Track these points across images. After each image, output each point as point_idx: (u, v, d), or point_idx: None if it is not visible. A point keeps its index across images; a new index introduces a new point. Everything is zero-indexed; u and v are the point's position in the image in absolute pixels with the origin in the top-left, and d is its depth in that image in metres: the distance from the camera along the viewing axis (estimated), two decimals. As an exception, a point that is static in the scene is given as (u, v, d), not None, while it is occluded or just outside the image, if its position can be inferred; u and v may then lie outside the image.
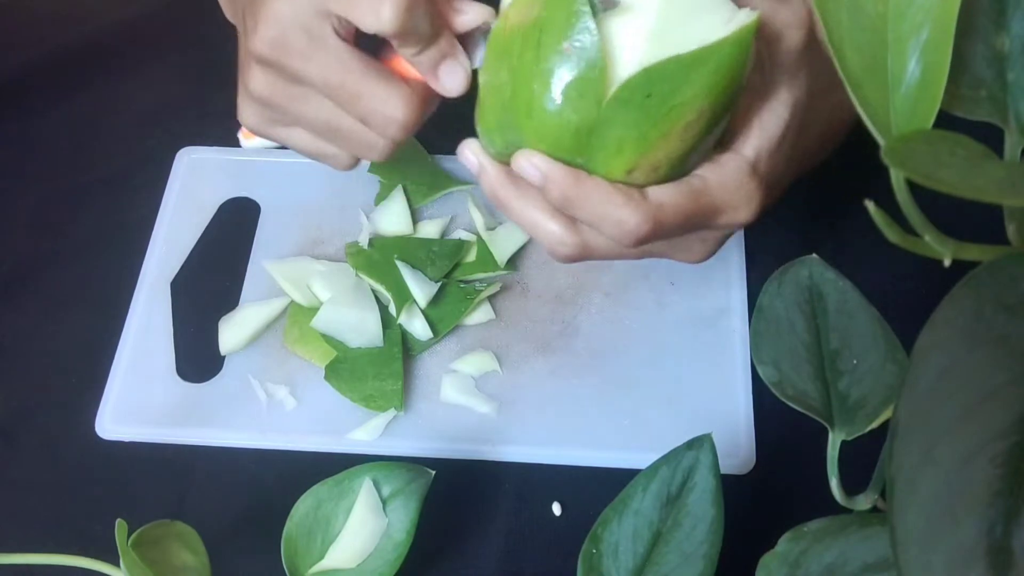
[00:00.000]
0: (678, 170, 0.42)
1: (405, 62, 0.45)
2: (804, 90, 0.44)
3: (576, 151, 0.40)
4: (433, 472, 0.50)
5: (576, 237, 0.43)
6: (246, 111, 0.48)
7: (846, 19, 0.34)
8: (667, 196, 0.42)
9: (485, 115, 0.42)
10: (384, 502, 0.49)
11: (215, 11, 0.59)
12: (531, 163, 0.41)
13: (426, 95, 0.46)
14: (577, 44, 0.38)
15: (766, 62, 0.43)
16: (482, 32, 0.45)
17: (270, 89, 0.46)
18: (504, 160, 0.43)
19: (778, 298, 0.45)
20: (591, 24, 0.38)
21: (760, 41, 0.41)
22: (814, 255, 0.46)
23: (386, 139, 0.47)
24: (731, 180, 0.43)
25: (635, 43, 0.38)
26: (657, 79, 0.38)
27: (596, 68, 0.38)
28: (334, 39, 0.44)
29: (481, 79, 0.42)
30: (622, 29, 0.38)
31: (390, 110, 0.45)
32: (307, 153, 0.50)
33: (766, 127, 0.43)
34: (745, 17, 0.38)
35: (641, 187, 0.41)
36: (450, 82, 0.45)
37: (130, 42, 0.75)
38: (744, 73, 0.39)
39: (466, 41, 0.45)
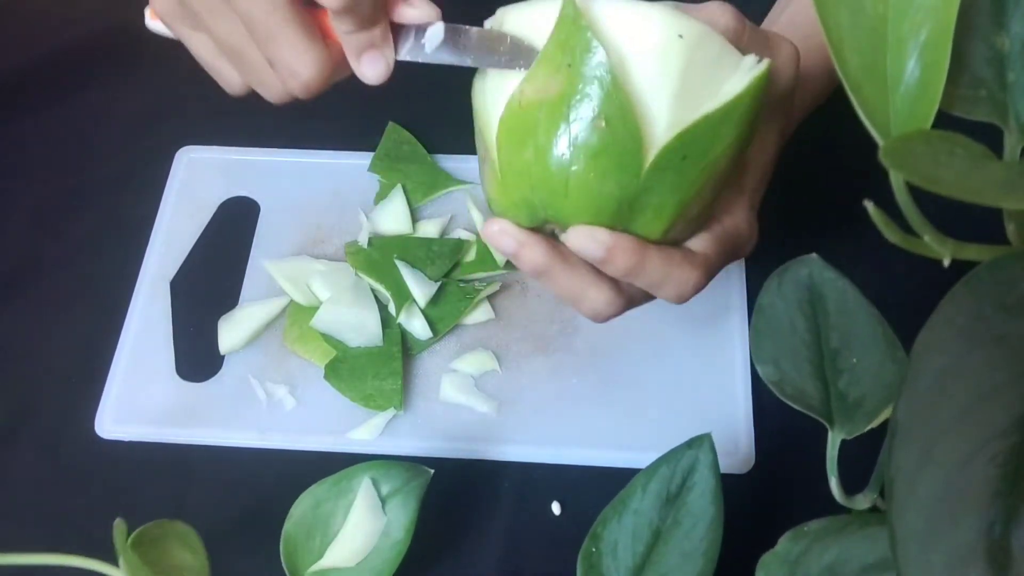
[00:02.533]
0: (705, 218, 0.42)
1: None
2: (789, 119, 0.46)
3: (616, 220, 0.40)
4: (432, 471, 0.50)
5: (623, 298, 0.43)
6: None
7: (846, 19, 0.34)
8: (707, 247, 0.43)
9: (508, 193, 0.41)
10: (383, 501, 0.49)
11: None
12: (594, 239, 0.40)
13: (340, 63, 0.45)
14: (612, 117, 0.37)
15: None
16: (417, 27, 0.44)
17: None
18: None
19: (778, 297, 0.45)
20: (624, 95, 0.37)
21: None
22: (814, 255, 0.46)
23: (285, 87, 0.46)
24: (742, 219, 0.44)
25: (661, 106, 0.38)
26: (690, 141, 0.38)
27: (634, 139, 0.37)
28: None
29: (497, 156, 0.40)
30: (646, 94, 0.38)
31: (299, 65, 0.44)
32: (203, 63, 0.48)
33: (758, 163, 0.45)
34: (752, 63, 0.39)
35: (676, 242, 0.42)
36: (370, 71, 0.44)
37: (130, 42, 0.75)
38: (760, 116, 0.40)
39: (398, 30, 0.44)
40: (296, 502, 0.49)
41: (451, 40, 0.43)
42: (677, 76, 0.37)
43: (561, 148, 0.38)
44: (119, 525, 0.41)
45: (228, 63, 0.47)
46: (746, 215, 0.45)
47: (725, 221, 0.44)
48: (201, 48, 0.48)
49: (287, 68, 0.44)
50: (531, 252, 0.42)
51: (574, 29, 0.37)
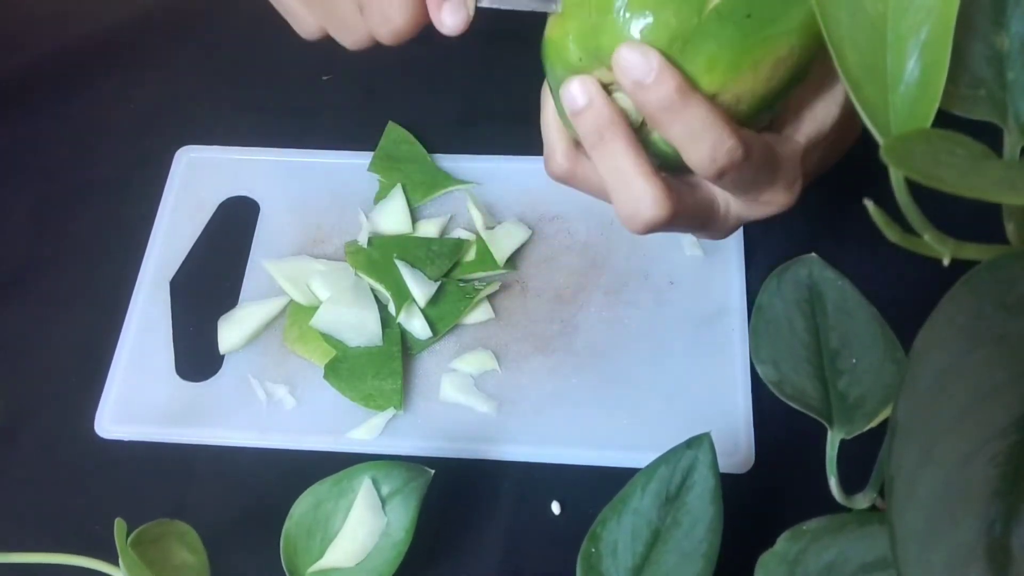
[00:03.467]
0: (752, 118, 0.41)
1: None
2: (847, 115, 0.44)
3: (667, 52, 0.38)
4: (432, 471, 0.50)
5: (667, 193, 0.40)
6: None
7: (846, 19, 0.34)
8: (749, 135, 0.41)
9: (564, 24, 0.40)
10: (383, 501, 0.49)
11: (214, 10, 0.60)
12: (645, 55, 0.37)
13: (427, 8, 0.44)
14: None
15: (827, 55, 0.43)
16: None
17: None
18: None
19: (777, 297, 0.45)
20: None
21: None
22: (814, 254, 0.46)
23: (370, 35, 0.45)
24: (789, 155, 0.43)
25: None
26: (759, 1, 0.38)
27: None
28: None
29: None
30: None
31: (392, 11, 0.43)
32: (280, 5, 0.48)
33: (818, 118, 0.43)
34: None
35: None
36: (450, 19, 0.43)
37: (129, 42, 0.75)
38: (819, 40, 0.39)
39: None
40: (296, 502, 0.49)
41: None
42: None
43: None
44: (119, 524, 0.41)
45: (307, 5, 0.46)
46: (793, 157, 0.43)
47: (773, 139, 0.42)
48: None
49: (380, 13, 0.43)
50: (599, 110, 0.40)
51: None
